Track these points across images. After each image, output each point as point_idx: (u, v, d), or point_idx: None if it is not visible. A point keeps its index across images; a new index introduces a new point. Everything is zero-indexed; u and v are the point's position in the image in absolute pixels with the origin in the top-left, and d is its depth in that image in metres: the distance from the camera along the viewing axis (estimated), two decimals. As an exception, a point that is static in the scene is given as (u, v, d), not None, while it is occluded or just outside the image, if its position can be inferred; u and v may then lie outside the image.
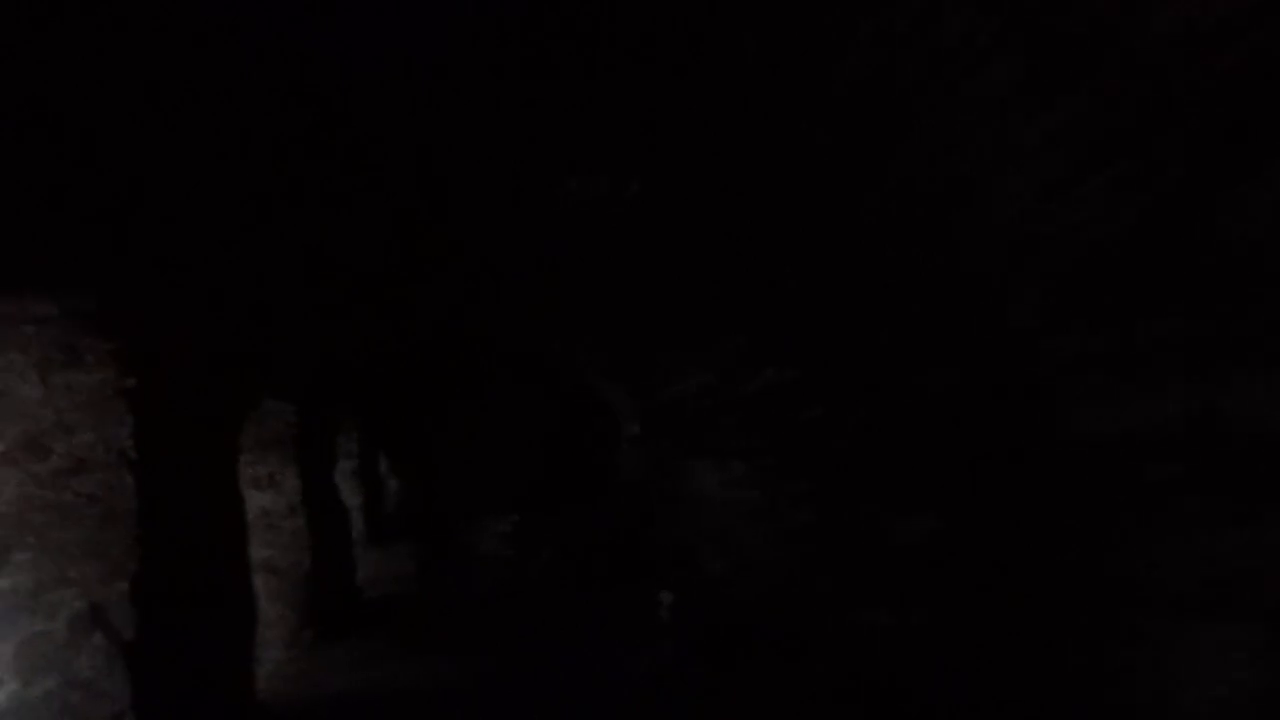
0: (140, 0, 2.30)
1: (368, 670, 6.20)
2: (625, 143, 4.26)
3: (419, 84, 3.48)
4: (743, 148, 3.97)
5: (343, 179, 4.42)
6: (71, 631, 3.71)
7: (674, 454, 7.60)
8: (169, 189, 3.63)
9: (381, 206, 4.75)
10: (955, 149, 2.63)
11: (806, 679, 4.73)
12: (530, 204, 5.05)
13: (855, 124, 3.10)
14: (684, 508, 7.26)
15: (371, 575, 9.91)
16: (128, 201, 3.47)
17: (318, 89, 3.35)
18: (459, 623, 7.91)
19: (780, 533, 5.13)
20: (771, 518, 5.28)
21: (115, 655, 3.71)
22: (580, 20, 3.22)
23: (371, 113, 3.63)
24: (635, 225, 4.81)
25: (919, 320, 3.23)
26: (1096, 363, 2.36)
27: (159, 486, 4.06)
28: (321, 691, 5.72)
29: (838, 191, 3.68)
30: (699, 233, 4.65)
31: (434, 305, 7.39)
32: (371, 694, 5.56)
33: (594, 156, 4.41)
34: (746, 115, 3.74)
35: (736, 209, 4.28)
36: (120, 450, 3.95)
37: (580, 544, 10.11)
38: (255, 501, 7.15)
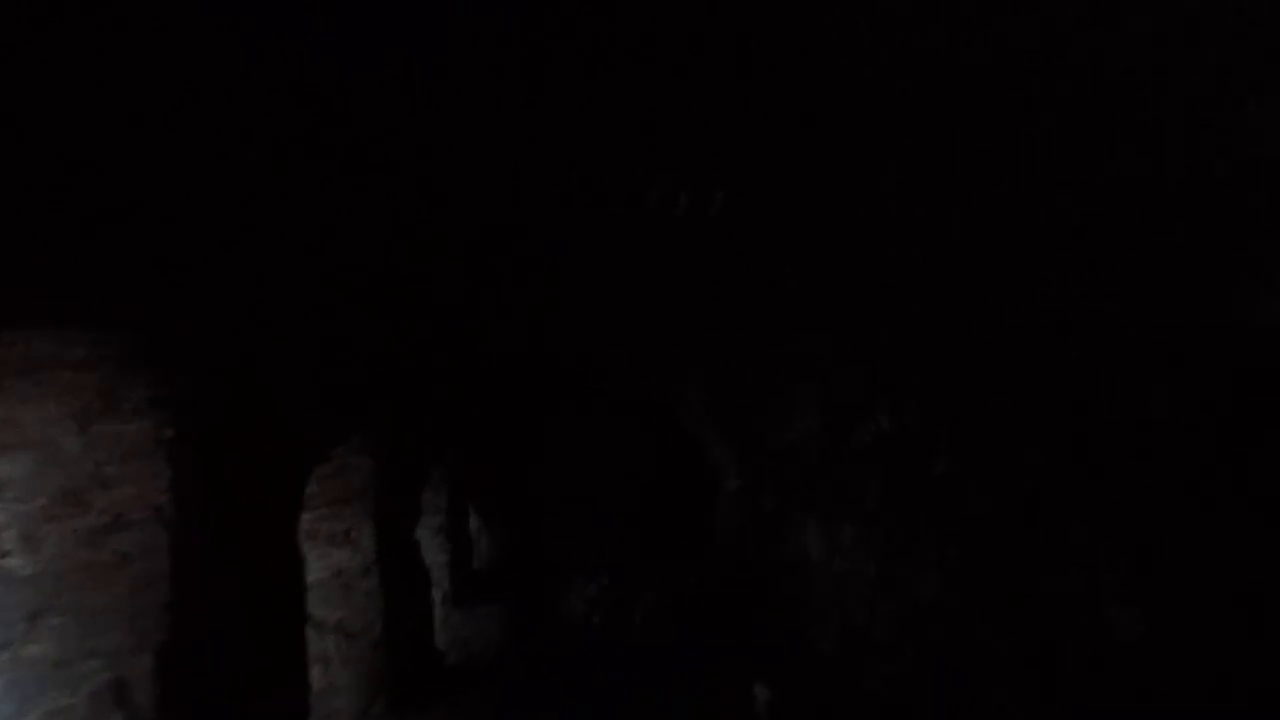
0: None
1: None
2: (705, 147, 3.73)
3: (469, 90, 3.09)
4: (857, 146, 3.33)
5: (411, 201, 4.07)
6: (92, 709, 3.34)
7: (776, 513, 6.81)
8: (213, 212, 3.34)
9: (454, 228, 4.37)
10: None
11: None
12: (610, 223, 4.57)
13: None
14: (787, 576, 6.43)
15: (456, 638, 9.46)
16: (172, 228, 3.20)
17: (375, 123, 3.10)
18: (545, 693, 7.30)
19: (902, 612, 4.27)
20: (890, 591, 4.44)
21: (136, 739, 3.31)
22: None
23: (432, 125, 3.25)
24: (726, 243, 4.22)
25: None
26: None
27: (198, 547, 3.70)
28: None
29: (987, 197, 2.98)
30: (801, 249, 4.01)
31: (515, 338, 7.01)
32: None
33: (669, 165, 3.89)
34: (864, 100, 3.09)
35: (848, 219, 3.63)
36: (157, 507, 3.63)
37: (674, 611, 9.35)
38: (332, 560, 6.85)
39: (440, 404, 7.84)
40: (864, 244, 3.94)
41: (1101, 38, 2.12)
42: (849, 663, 5.03)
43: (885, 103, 2.87)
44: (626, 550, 12.94)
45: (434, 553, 10.47)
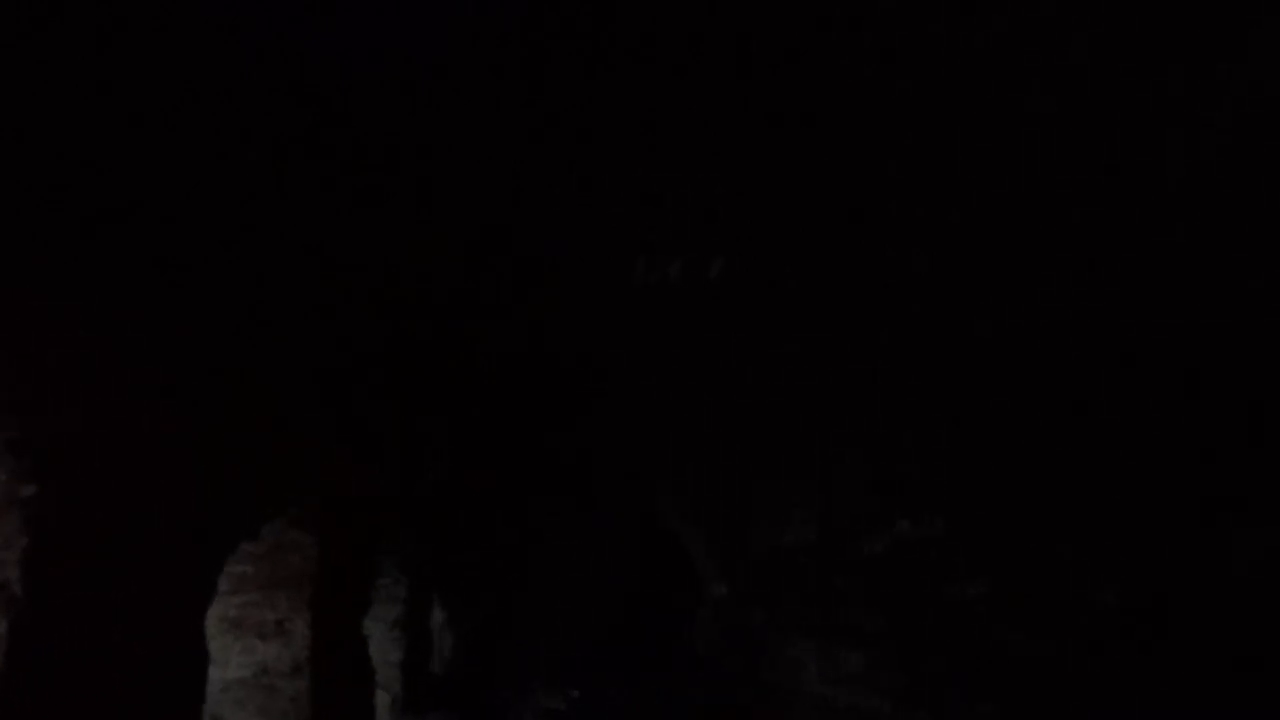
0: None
1: None
2: (706, 209, 3.23)
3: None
4: (873, 206, 2.86)
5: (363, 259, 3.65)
6: None
7: (764, 629, 6.00)
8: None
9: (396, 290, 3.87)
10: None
11: None
12: (588, 293, 4.04)
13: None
14: (778, 704, 5.57)
15: (401, 754, 8.37)
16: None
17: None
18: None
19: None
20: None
21: None
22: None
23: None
24: (720, 316, 3.68)
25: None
26: None
27: (52, 640, 2.97)
28: None
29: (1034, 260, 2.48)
30: (804, 325, 3.45)
31: (489, 426, 6.43)
32: None
33: (665, 230, 3.40)
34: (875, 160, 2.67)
35: (860, 288, 3.09)
36: (2, 583, 2.91)
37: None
38: (257, 654, 5.99)
39: (398, 486, 7.15)
40: (879, 320, 3.40)
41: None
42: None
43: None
44: (599, 658, 11.85)
45: (387, 649, 9.46)
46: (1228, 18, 1.86)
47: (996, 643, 3.12)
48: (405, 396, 5.97)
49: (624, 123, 2.79)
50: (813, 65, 2.38)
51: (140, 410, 3.32)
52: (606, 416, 6.00)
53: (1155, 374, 2.55)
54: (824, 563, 4.93)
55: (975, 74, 2.23)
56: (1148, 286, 2.43)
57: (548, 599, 12.70)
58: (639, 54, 2.41)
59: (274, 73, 2.41)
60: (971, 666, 3.27)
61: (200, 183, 2.71)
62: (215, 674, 6.12)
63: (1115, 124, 2.19)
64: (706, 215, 3.23)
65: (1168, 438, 2.47)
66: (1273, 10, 1.84)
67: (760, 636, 6.09)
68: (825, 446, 4.43)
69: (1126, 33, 1.92)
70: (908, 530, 3.63)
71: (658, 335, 4.22)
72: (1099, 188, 2.45)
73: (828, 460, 4.42)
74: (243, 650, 5.98)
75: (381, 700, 8.40)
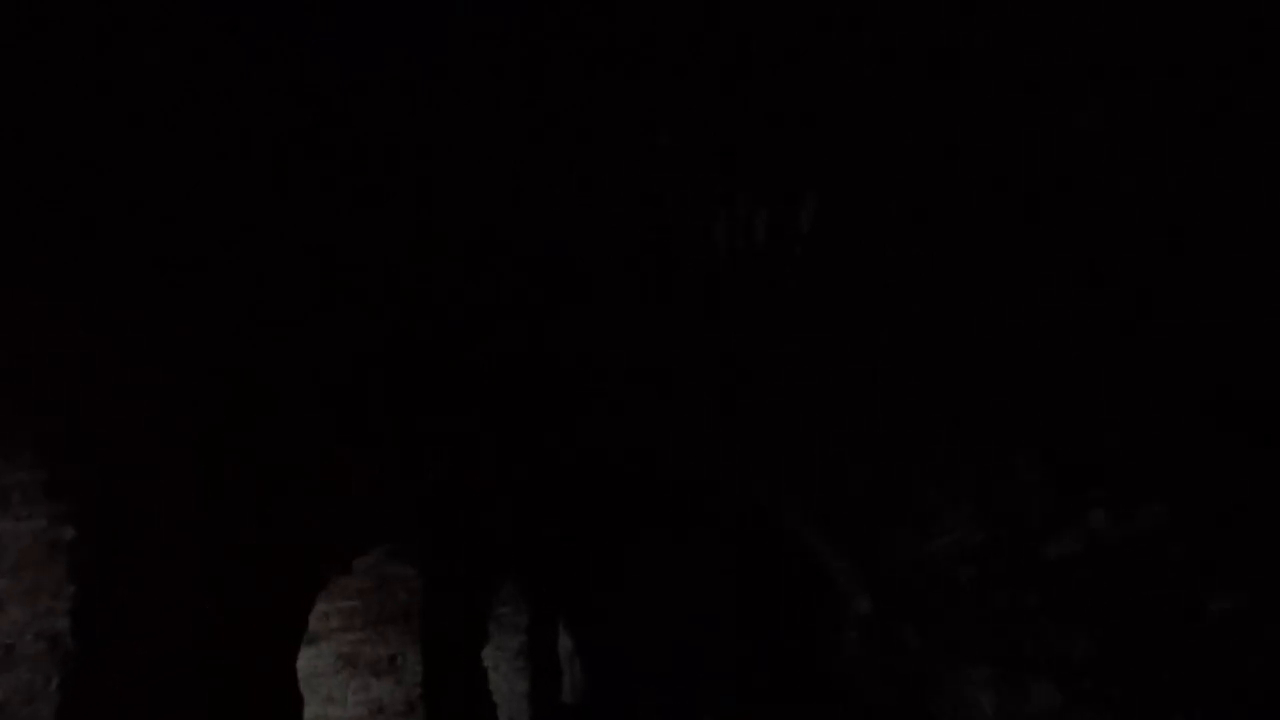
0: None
1: None
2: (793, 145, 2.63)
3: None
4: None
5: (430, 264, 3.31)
6: None
7: (922, 653, 5.15)
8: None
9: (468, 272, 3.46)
10: None
11: None
12: (679, 271, 3.49)
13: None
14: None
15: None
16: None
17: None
18: None
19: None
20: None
21: None
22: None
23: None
24: (835, 304, 3.02)
25: None
26: None
27: (108, 695, 2.68)
28: None
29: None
30: (946, 272, 2.74)
31: (592, 430, 5.98)
32: None
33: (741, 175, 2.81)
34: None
35: (1026, 221, 2.38)
36: (53, 636, 2.65)
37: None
38: (372, 692, 5.74)
39: (502, 503, 6.81)
40: (1054, 261, 2.65)
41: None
42: None
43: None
44: (723, 687, 11.04)
45: (513, 680, 9.15)
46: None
47: (1252, 675, 2.28)
48: (498, 435, 5.62)
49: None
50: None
51: (184, 436, 3.03)
52: (712, 429, 5.41)
53: None
54: (985, 571, 4.11)
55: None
56: None
57: (665, 624, 12.07)
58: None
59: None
60: (1214, 706, 2.42)
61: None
62: (335, 713, 5.97)
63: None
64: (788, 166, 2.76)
65: None
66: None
67: (918, 663, 5.23)
68: (980, 432, 3.65)
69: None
70: (1104, 523, 2.82)
71: (759, 311, 3.61)
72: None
73: (985, 448, 3.63)
74: (358, 688, 5.76)
75: (509, 733, 8.07)
